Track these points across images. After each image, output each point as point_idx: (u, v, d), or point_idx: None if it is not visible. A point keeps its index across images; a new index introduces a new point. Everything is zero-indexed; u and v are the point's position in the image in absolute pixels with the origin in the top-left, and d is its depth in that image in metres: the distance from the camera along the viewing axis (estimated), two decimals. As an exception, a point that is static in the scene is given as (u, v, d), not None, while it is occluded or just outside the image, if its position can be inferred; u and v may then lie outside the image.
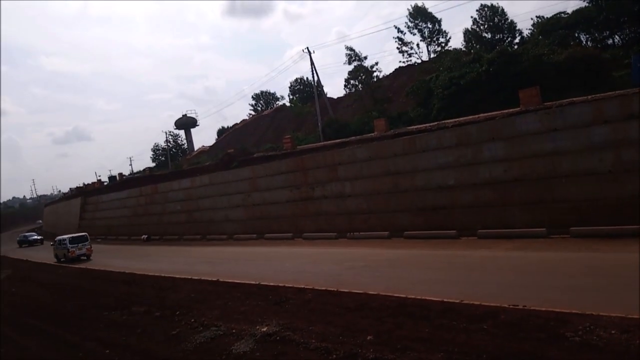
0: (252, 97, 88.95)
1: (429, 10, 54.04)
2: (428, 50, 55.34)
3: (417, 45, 55.06)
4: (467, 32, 52.17)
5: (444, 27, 55.19)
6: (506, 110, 22.43)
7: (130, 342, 11.97)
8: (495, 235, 18.87)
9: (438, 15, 54.64)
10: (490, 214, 20.15)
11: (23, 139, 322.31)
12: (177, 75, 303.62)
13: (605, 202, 17.02)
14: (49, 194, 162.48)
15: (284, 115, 69.79)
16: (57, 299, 19.82)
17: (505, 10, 49.64)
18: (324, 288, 13.90)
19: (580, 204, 17.68)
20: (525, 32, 48.62)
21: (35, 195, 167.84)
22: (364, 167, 25.96)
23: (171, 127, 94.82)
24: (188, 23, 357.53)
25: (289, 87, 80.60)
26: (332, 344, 9.33)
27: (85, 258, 33.23)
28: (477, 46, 48.04)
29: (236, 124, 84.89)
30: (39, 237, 59.87)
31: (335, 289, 13.56)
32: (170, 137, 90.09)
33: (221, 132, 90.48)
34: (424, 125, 27.01)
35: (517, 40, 48.59)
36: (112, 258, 32.11)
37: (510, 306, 9.89)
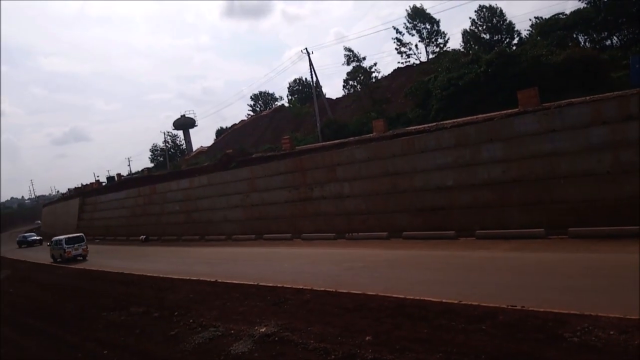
0: (251, 97, 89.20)
1: (428, 11, 54.22)
2: (427, 51, 55.47)
3: (416, 46, 55.23)
4: (465, 33, 52.29)
5: (442, 28, 55.19)
6: (505, 111, 22.48)
7: (128, 343, 11.96)
8: (494, 235, 18.88)
9: (436, 16, 54.84)
10: (488, 215, 20.16)
11: (21, 139, 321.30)
12: (176, 75, 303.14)
13: (603, 203, 17.04)
14: (47, 194, 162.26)
15: (283, 115, 69.83)
16: (56, 299, 19.80)
17: (503, 11, 49.85)
18: (322, 289, 13.91)
19: (578, 204, 17.71)
20: (524, 33, 48.78)
21: (33, 196, 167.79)
22: (363, 168, 25.97)
23: (170, 127, 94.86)
24: (187, 23, 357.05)
25: (288, 88, 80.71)
26: (330, 344, 9.33)
27: (81, 258, 33.41)
28: (476, 47, 48.11)
29: (235, 125, 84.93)
30: (38, 238, 59.80)
31: (334, 290, 13.56)
32: (168, 137, 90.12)
33: (220, 132, 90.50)
34: (423, 126, 27.06)
35: (515, 41, 48.70)
36: (110, 259, 32.08)
37: (509, 307, 9.90)
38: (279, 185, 31.47)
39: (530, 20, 57.16)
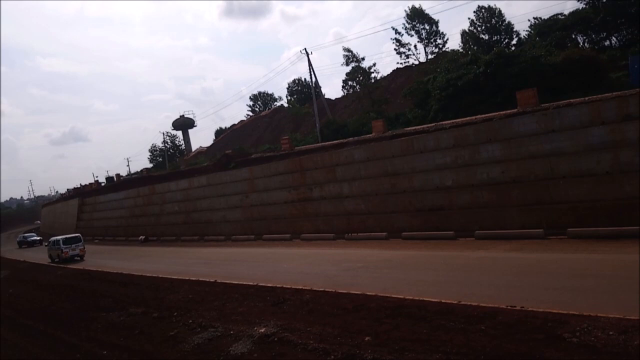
0: (250, 98, 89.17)
1: (427, 11, 54.22)
2: (425, 52, 55.49)
3: (415, 46, 55.22)
4: (464, 34, 52.31)
5: (441, 28, 55.37)
6: (504, 112, 22.52)
7: (128, 343, 11.94)
8: (493, 236, 18.90)
9: (435, 17, 54.89)
10: (487, 215, 20.18)
11: (20, 140, 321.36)
12: (175, 76, 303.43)
13: (602, 204, 17.07)
14: (46, 194, 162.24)
15: (282, 116, 69.83)
16: (55, 299, 19.77)
17: (502, 12, 49.84)
18: (322, 289, 13.90)
19: (577, 205, 17.73)
20: (523, 34, 48.84)
21: (32, 196, 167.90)
22: (362, 168, 25.99)
23: (169, 128, 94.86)
24: (186, 24, 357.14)
25: (287, 88, 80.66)
26: (330, 344, 9.33)
27: (78, 259, 33.52)
28: (475, 47, 48.13)
29: (234, 125, 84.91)
30: (38, 238, 59.77)
31: (333, 290, 13.56)
32: (167, 137, 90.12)
33: (219, 132, 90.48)
34: (422, 126, 27.09)
35: (514, 42, 48.76)
36: (109, 259, 32.08)
37: (508, 307, 9.91)
38: (278, 186, 31.48)
39: (529, 20, 57.45)
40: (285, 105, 75.95)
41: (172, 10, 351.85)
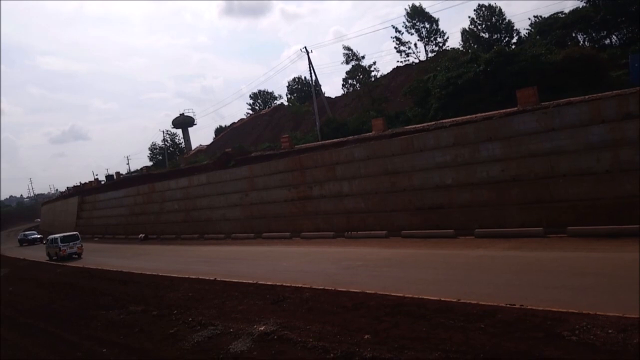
0: (250, 96, 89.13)
1: (427, 10, 54.17)
2: (426, 50, 55.45)
3: (415, 45, 55.20)
4: (464, 32, 52.33)
5: (441, 27, 55.13)
6: (504, 110, 22.51)
7: (128, 341, 11.93)
8: (493, 234, 18.90)
9: (435, 15, 54.88)
10: (487, 214, 20.19)
11: (20, 138, 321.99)
12: (175, 74, 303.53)
13: (602, 202, 17.07)
14: (46, 193, 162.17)
15: (282, 114, 69.78)
16: (55, 298, 19.76)
17: (502, 10, 49.85)
18: (321, 287, 13.90)
19: (577, 203, 17.74)
20: (523, 32, 48.88)
21: (32, 194, 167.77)
22: (362, 167, 25.98)
23: (169, 126, 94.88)
24: (185, 23, 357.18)
25: (287, 87, 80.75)
26: (329, 343, 9.33)
27: (76, 257, 33.79)
28: (475, 46, 48.14)
29: (234, 123, 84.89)
30: (39, 236, 59.82)
31: (332, 288, 13.55)
32: (167, 136, 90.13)
33: (219, 131, 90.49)
34: (422, 124, 27.07)
35: (514, 40, 48.79)
36: (109, 257, 32.06)
37: (507, 305, 9.91)
38: (278, 184, 31.48)
39: (529, 19, 57.33)
40: (285, 103, 75.95)
41: (171, 9, 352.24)
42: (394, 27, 55.23)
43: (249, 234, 32.01)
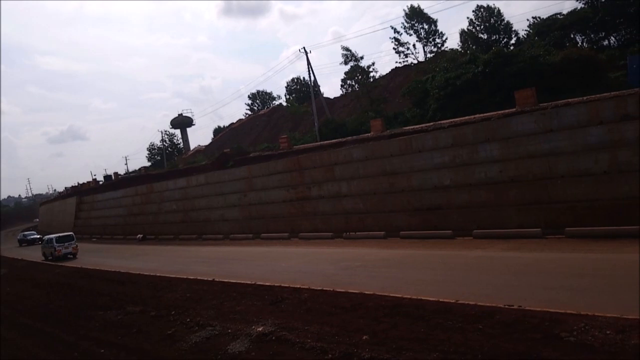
0: (249, 96, 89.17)
1: (425, 11, 54.35)
2: (424, 51, 55.55)
3: (414, 45, 55.31)
4: (463, 33, 52.38)
5: (440, 27, 55.54)
6: (502, 111, 22.52)
7: (125, 342, 11.92)
8: (491, 235, 18.91)
9: (434, 16, 54.99)
10: (485, 214, 20.19)
11: (18, 138, 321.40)
12: (174, 74, 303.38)
13: (600, 203, 17.08)
14: (44, 193, 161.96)
15: (281, 115, 69.81)
16: (53, 298, 19.73)
17: (501, 11, 49.93)
18: (320, 288, 13.89)
19: (575, 204, 17.74)
20: (521, 33, 48.94)
21: (30, 195, 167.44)
22: (361, 167, 25.98)
23: (167, 126, 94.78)
24: (185, 23, 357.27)
25: (286, 87, 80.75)
26: (327, 343, 9.32)
27: (71, 256, 34.17)
28: (473, 47, 48.19)
29: (232, 124, 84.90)
30: (38, 236, 59.78)
31: (331, 289, 13.55)
32: (166, 136, 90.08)
33: (217, 131, 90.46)
34: (420, 125, 27.08)
35: (513, 41, 48.84)
36: (107, 257, 32.02)
37: (506, 306, 9.91)
38: (276, 185, 31.46)
39: (527, 20, 57.59)
40: (284, 104, 76.01)
41: (171, 9, 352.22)
42: (392, 27, 55.45)
43: (247, 235, 31.98)
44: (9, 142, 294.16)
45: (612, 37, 38.56)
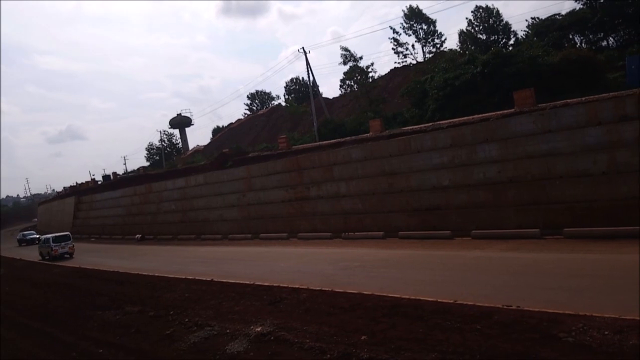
0: (248, 96, 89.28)
1: (424, 11, 54.47)
2: (423, 51, 55.65)
3: (413, 46, 55.41)
4: (462, 34, 52.44)
5: (438, 28, 55.54)
6: (501, 112, 22.52)
7: (124, 342, 11.91)
8: (489, 235, 18.93)
9: (433, 17, 55.07)
10: (484, 215, 20.21)
11: (17, 137, 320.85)
12: (172, 74, 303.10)
13: (599, 204, 17.11)
14: (42, 192, 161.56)
15: (280, 115, 69.83)
16: (52, 298, 19.69)
17: (500, 12, 50.01)
18: (318, 288, 13.89)
19: (574, 205, 17.77)
20: (520, 34, 48.99)
21: (29, 194, 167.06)
22: (359, 168, 25.99)
23: (166, 126, 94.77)
24: (184, 23, 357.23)
25: (285, 87, 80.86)
26: (326, 343, 9.32)
27: (68, 256, 34.35)
28: (472, 47, 48.24)
29: (231, 124, 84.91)
30: (37, 236, 59.70)
31: (329, 289, 13.55)
32: (164, 136, 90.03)
33: (216, 131, 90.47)
34: (419, 126, 27.09)
35: (511, 42, 48.88)
36: (105, 257, 31.99)
37: (504, 307, 9.92)
38: (275, 185, 31.46)
39: (526, 20, 57.49)
40: (283, 104, 76.03)
41: (170, 9, 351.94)
42: (391, 28, 55.62)
43: (246, 235, 31.97)
44: (8, 141, 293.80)
45: (610, 38, 38.63)
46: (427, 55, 54.38)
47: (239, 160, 38.35)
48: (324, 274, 16.62)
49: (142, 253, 32.48)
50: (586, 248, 14.86)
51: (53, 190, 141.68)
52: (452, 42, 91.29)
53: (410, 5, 54.59)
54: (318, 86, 56.37)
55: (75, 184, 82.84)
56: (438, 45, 54.63)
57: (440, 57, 44.25)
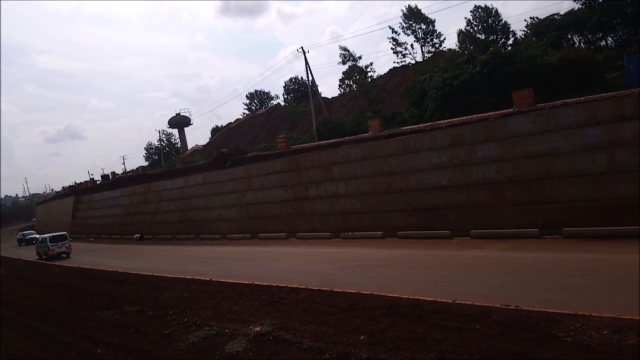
0: (247, 96, 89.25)
1: (423, 11, 54.46)
2: (422, 51, 55.63)
3: (412, 45, 55.39)
4: (461, 33, 52.46)
5: (437, 28, 55.46)
6: (499, 112, 22.52)
7: (122, 342, 11.89)
8: (488, 235, 18.94)
9: (432, 16, 55.05)
10: (483, 215, 20.22)
11: (16, 137, 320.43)
12: (171, 74, 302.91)
13: (598, 203, 17.12)
14: (41, 192, 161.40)
15: (278, 114, 69.76)
16: (50, 298, 19.66)
17: (498, 12, 50.00)
18: (317, 288, 13.89)
19: (573, 204, 17.78)
20: (519, 34, 48.99)
21: (27, 194, 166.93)
22: (358, 167, 25.99)
23: (165, 126, 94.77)
24: (182, 22, 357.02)
25: (284, 87, 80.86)
26: (325, 343, 9.32)
27: (65, 256, 34.58)
28: (471, 47, 48.23)
29: (230, 123, 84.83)
30: (36, 236, 59.64)
31: (328, 289, 13.54)
32: (163, 136, 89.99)
33: (215, 131, 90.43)
34: (418, 125, 27.08)
35: (510, 42, 48.90)
36: (104, 257, 31.96)
37: (503, 306, 9.92)
38: (274, 185, 31.45)
39: (525, 20, 57.50)
40: (282, 103, 76.00)
41: (168, 9, 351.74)
42: (390, 27, 55.71)
43: (245, 235, 31.95)
44: (7, 141, 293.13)
45: (609, 38, 38.65)
46: (426, 55, 54.38)
47: (237, 160, 38.32)
48: (323, 273, 16.62)
49: (140, 253, 32.45)
50: (585, 248, 14.88)
51: (52, 189, 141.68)
52: (451, 42, 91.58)
53: (409, 5, 54.65)
54: (317, 86, 56.51)
55: (74, 184, 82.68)
56: (437, 45, 54.65)
57: (439, 57, 44.25)
